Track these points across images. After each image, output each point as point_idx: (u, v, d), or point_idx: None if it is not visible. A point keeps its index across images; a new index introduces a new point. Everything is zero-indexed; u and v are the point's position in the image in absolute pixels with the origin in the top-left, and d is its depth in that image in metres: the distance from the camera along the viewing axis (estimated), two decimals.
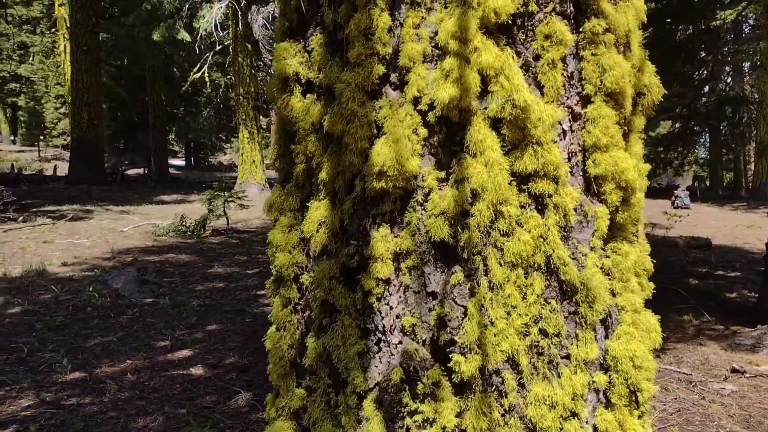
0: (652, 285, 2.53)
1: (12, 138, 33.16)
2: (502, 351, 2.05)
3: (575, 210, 2.13)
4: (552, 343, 2.08)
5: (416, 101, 2.11)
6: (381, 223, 2.16)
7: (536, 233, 2.08)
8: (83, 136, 20.98)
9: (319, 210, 2.26)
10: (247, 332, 5.63)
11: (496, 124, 2.09)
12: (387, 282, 2.14)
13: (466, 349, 2.06)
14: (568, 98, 2.17)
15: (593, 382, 2.14)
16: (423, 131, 2.11)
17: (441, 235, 2.08)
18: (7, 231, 10.25)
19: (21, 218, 11.22)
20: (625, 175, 2.15)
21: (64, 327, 5.43)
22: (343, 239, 2.20)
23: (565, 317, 2.11)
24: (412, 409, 2.08)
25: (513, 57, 2.07)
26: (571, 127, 2.18)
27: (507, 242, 2.06)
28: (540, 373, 2.07)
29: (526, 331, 2.08)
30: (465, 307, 2.06)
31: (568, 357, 2.09)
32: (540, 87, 2.12)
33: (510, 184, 2.09)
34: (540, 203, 2.11)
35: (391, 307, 2.14)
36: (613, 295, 2.24)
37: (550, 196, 2.10)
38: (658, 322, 2.43)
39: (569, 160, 2.18)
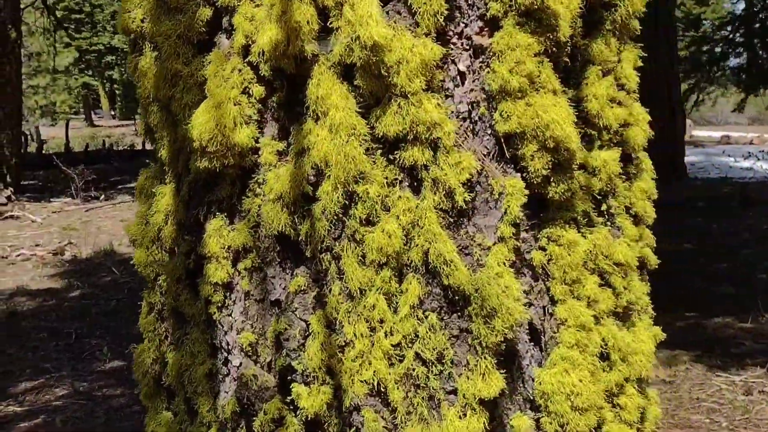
0: (645, 289, 1.86)
1: (112, 113, 33.69)
2: (363, 381, 1.50)
3: (473, 185, 1.52)
4: (432, 372, 1.50)
5: (246, 51, 1.58)
6: (216, 213, 1.66)
7: (406, 220, 1.50)
8: None
9: (165, 197, 1.81)
10: None
11: (348, 72, 1.52)
12: (228, 287, 1.65)
13: (309, 378, 1.53)
14: (464, 25, 1.53)
15: (511, 427, 1.54)
16: (258, 89, 1.58)
17: (278, 226, 1.55)
18: (89, 210, 10.38)
19: (103, 196, 11.35)
20: (551, 131, 1.49)
21: (116, 312, 5.39)
22: (181, 234, 1.74)
23: (455, 337, 1.52)
24: None
25: None
26: (470, 66, 1.55)
27: (368, 234, 1.50)
28: (417, 412, 1.51)
29: (399, 354, 1.52)
30: (307, 323, 1.54)
31: (454, 392, 1.50)
32: (413, 13, 1.51)
33: (370, 153, 1.51)
34: (415, 178, 1.52)
35: (234, 319, 1.65)
36: (553, 302, 1.61)
37: (425, 167, 1.50)
38: (653, 341, 1.77)
39: (470, 114, 1.55)
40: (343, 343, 1.52)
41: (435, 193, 1.48)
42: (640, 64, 1.90)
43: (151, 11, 1.72)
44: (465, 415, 1.47)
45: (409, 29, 1.49)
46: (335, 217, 1.51)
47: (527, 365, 1.58)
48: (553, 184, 1.55)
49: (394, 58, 1.44)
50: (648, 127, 1.88)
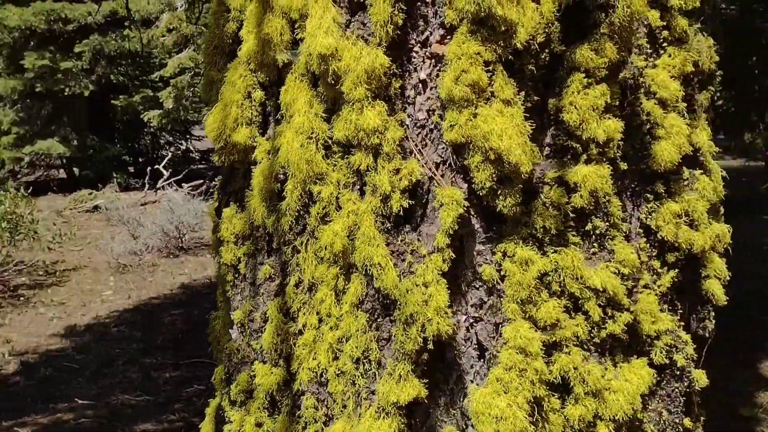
0: (667, 324, 1.67)
1: None
2: (309, 369, 1.62)
3: (418, 193, 1.53)
4: (359, 371, 1.55)
5: (249, 59, 1.77)
6: (230, 203, 1.89)
7: (350, 222, 1.57)
8: None
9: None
10: None
11: (317, 80, 1.63)
12: (235, 269, 1.87)
13: (266, 358, 1.69)
14: (428, 34, 1.54)
15: None
16: (258, 94, 1.77)
17: (257, 218, 1.73)
18: None
19: None
20: (490, 142, 1.44)
21: None
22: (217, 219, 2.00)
23: (385, 339, 1.55)
24: (229, 415, 1.81)
25: None
26: (431, 74, 1.55)
27: (322, 232, 1.61)
28: (348, 408, 1.58)
29: (339, 348, 1.60)
30: (267, 308, 1.69)
31: (374, 393, 1.54)
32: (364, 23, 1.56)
33: (330, 156, 1.61)
34: (364, 182, 1.58)
35: (236, 298, 1.87)
36: (507, 320, 1.54)
37: (367, 172, 1.55)
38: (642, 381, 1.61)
39: (426, 122, 1.56)
40: (297, 331, 1.66)
41: (374, 198, 1.54)
42: (690, 69, 1.68)
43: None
44: (380, 417, 1.51)
45: (365, 39, 1.55)
46: (297, 214, 1.64)
47: (471, 380, 1.55)
48: (500, 197, 1.49)
49: (342, 67, 1.53)
50: (686, 141, 1.66)
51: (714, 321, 1.88)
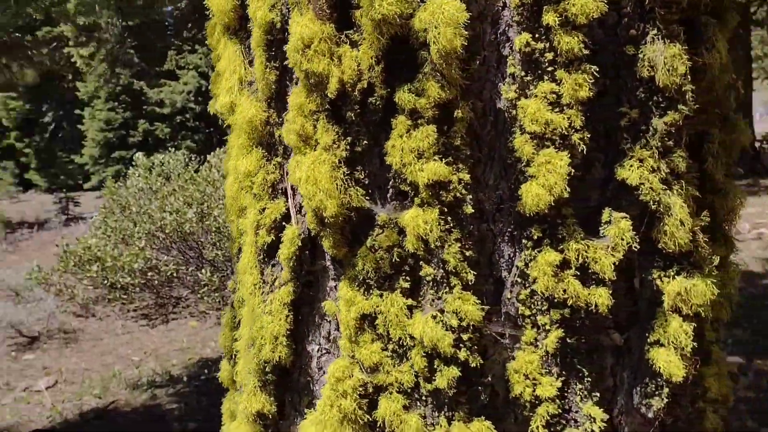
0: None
1: None
2: (240, 369, 1.92)
3: (279, 228, 1.71)
4: (246, 380, 1.79)
5: None
6: None
7: (246, 252, 1.81)
8: None
9: None
10: None
11: None
12: None
13: (224, 355, 2.03)
14: (290, 87, 1.69)
15: None
16: None
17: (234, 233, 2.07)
18: None
19: None
20: (302, 187, 1.54)
21: None
22: None
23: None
24: None
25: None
26: None
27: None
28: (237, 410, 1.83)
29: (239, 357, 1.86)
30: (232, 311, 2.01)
31: None
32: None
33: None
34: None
35: None
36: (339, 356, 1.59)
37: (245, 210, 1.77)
38: None
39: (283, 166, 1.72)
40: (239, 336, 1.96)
41: (251, 232, 1.75)
42: (586, 93, 1.43)
43: None
44: (244, 421, 1.74)
45: (255, 94, 1.76)
46: (236, 243, 1.94)
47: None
48: (322, 239, 1.56)
49: (233, 120, 1.78)
50: (562, 180, 1.42)
51: (668, 399, 1.51)
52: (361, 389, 1.54)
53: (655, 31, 1.46)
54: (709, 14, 1.60)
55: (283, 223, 1.69)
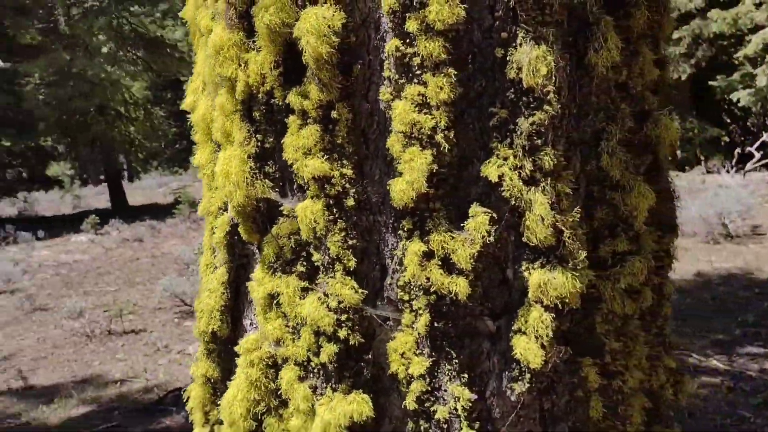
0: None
1: None
2: None
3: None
4: None
5: None
6: None
7: None
8: None
9: None
10: None
11: None
12: None
13: None
14: None
15: None
16: None
17: None
18: None
19: None
20: (218, 179, 1.78)
21: None
22: None
23: None
24: None
25: None
26: None
27: None
28: None
29: None
30: None
31: None
32: None
33: None
34: None
35: None
36: None
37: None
38: None
39: None
40: None
41: (206, 219, 2.00)
42: (445, 96, 1.53)
43: None
44: (196, 384, 2.01)
45: (207, 96, 2.00)
46: None
47: None
48: (239, 226, 1.78)
49: (193, 119, 2.03)
50: (422, 177, 1.54)
51: (529, 384, 1.57)
52: (269, 360, 1.75)
53: (523, 34, 1.52)
54: (609, 12, 1.63)
55: (223, 211, 1.92)
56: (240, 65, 1.70)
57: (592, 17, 1.59)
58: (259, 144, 1.73)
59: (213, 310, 1.89)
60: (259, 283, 1.75)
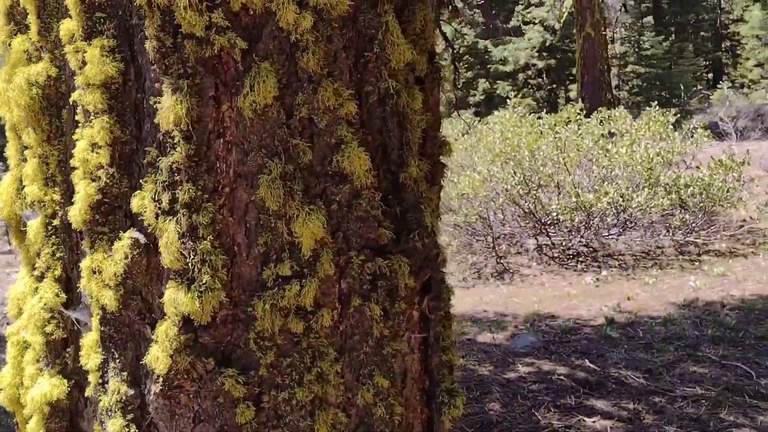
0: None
1: None
2: None
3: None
4: None
5: None
6: None
7: None
8: None
9: None
10: None
11: None
12: None
13: None
14: None
15: None
16: None
17: None
18: None
19: None
20: None
21: None
22: None
23: None
24: None
25: None
26: None
27: None
28: None
29: None
30: None
31: None
32: None
33: None
34: None
35: None
36: None
37: None
38: None
39: None
40: None
41: None
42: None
43: None
44: None
45: None
46: None
47: None
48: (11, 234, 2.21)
49: None
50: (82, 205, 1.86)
51: (163, 386, 1.81)
52: (25, 343, 2.16)
53: (165, 85, 1.78)
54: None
55: None
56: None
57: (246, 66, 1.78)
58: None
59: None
60: (21, 279, 2.16)
